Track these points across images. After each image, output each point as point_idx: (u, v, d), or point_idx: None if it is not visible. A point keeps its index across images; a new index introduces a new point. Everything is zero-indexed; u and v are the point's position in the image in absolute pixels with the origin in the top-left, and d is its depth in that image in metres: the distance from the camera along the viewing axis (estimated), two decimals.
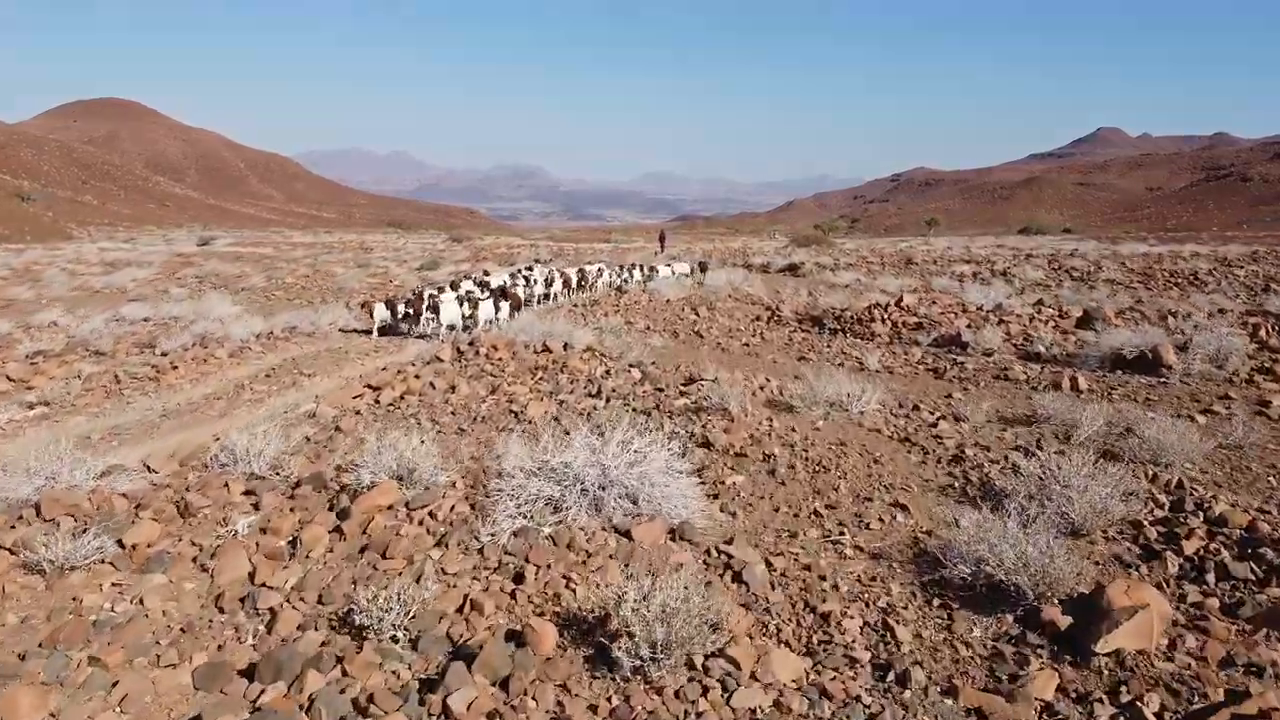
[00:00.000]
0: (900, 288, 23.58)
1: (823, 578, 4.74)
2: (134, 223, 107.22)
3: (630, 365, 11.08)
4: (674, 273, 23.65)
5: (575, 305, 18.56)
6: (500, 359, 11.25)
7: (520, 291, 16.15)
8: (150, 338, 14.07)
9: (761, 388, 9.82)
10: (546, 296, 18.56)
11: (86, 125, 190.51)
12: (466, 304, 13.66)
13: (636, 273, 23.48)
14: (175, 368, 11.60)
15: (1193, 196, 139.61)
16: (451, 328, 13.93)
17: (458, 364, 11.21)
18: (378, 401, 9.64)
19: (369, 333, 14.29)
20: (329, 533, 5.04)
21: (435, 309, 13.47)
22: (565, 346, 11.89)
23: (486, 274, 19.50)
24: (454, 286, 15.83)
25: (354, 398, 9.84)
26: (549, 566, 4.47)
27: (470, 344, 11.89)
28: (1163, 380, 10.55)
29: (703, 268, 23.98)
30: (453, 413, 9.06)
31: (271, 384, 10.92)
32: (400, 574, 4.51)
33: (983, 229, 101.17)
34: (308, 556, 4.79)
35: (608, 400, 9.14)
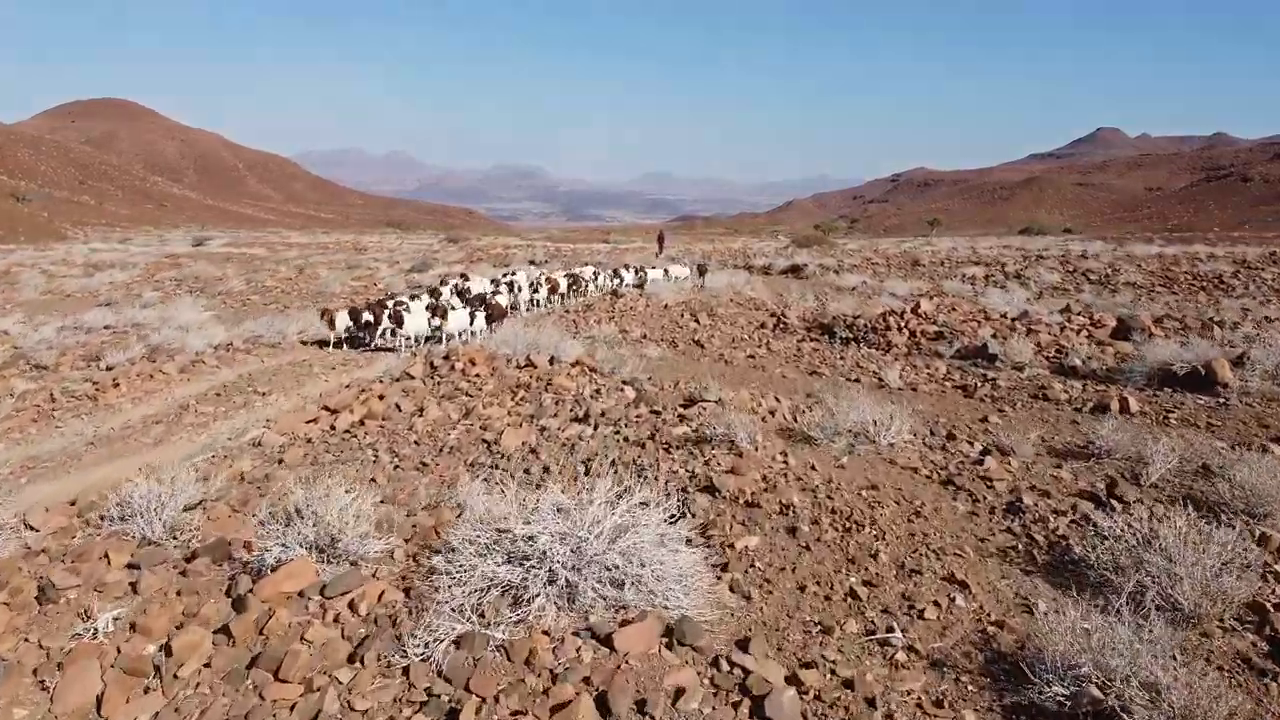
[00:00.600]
0: (910, 291, 22.35)
1: (872, 702, 3.49)
2: (131, 223, 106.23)
3: (623, 383, 9.83)
4: (667, 275, 22.31)
5: (567, 311, 17.30)
6: (478, 375, 9.99)
7: (503, 299, 14.86)
8: (101, 349, 12.79)
9: (772, 411, 8.57)
10: (534, 303, 17.29)
11: (85, 125, 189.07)
12: (436, 314, 12.37)
13: (630, 274, 22.17)
14: (117, 385, 10.33)
15: (1193, 196, 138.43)
16: (418, 340, 12.66)
17: (430, 381, 9.95)
18: (333, 427, 8.40)
19: (330, 344, 12.99)
20: (214, 634, 3.78)
21: (399, 319, 12.18)
22: (552, 360, 10.64)
23: (466, 279, 18.15)
24: (433, 294, 14.54)
25: (308, 422, 8.59)
26: (497, 700, 3.20)
27: (445, 358, 10.63)
28: (1221, 401, 9.31)
29: (701, 270, 22.68)
30: (416, 442, 7.81)
31: (220, 404, 9.65)
32: (293, 708, 3.26)
33: (983, 229, 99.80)
34: (176, 675, 3.52)
35: (596, 427, 7.88)
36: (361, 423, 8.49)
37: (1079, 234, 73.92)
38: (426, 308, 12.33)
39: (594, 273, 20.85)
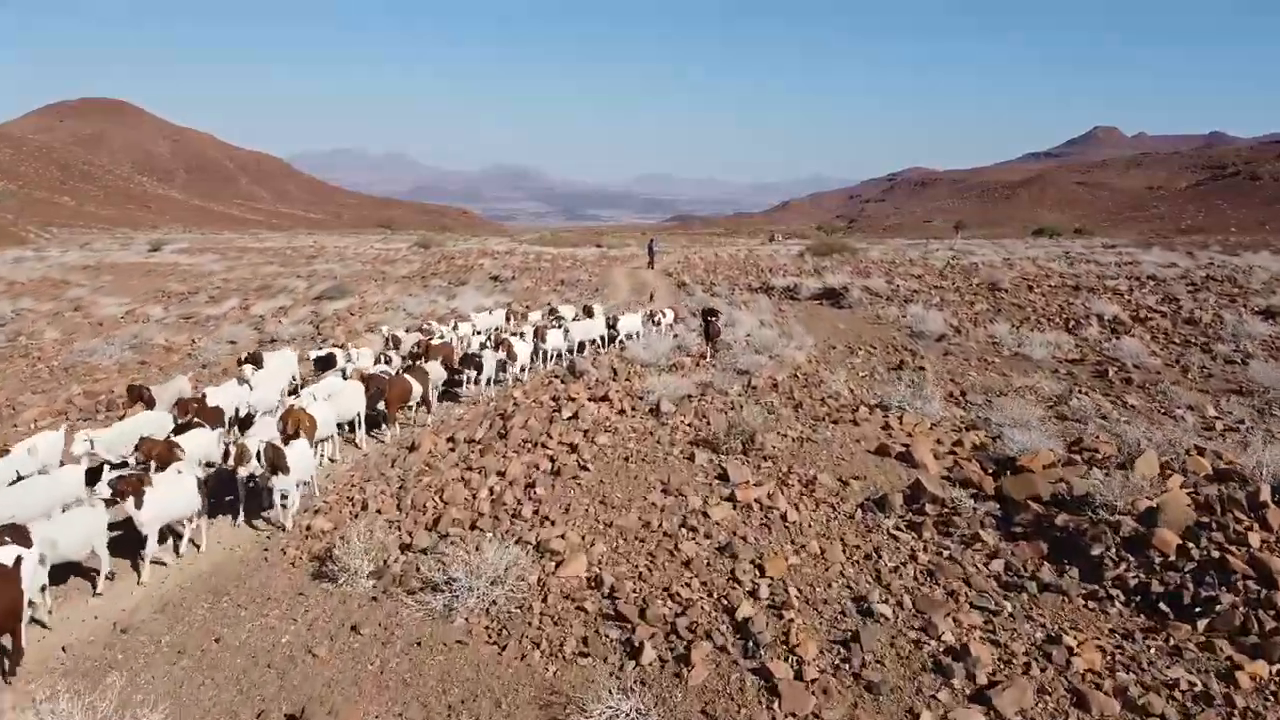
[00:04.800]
0: (1053, 352, 13.49)
1: None
2: (110, 225, 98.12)
3: None
4: (594, 341, 13.41)
5: (452, 446, 8.30)
6: None
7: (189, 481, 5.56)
8: None
9: None
10: (352, 426, 7.96)
11: (74, 125, 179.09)
12: None
13: (593, 324, 12.70)
14: None
15: (1200, 196, 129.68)
16: None
17: None
18: None
19: None
20: None
21: None
22: None
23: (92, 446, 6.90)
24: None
25: None
26: None
27: None
28: None
29: (714, 334, 12.78)
30: None
31: None
32: None
33: (990, 230, 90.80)
34: None
35: None
36: None
37: (1098, 236, 65.17)
38: None
39: (500, 341, 11.41)
